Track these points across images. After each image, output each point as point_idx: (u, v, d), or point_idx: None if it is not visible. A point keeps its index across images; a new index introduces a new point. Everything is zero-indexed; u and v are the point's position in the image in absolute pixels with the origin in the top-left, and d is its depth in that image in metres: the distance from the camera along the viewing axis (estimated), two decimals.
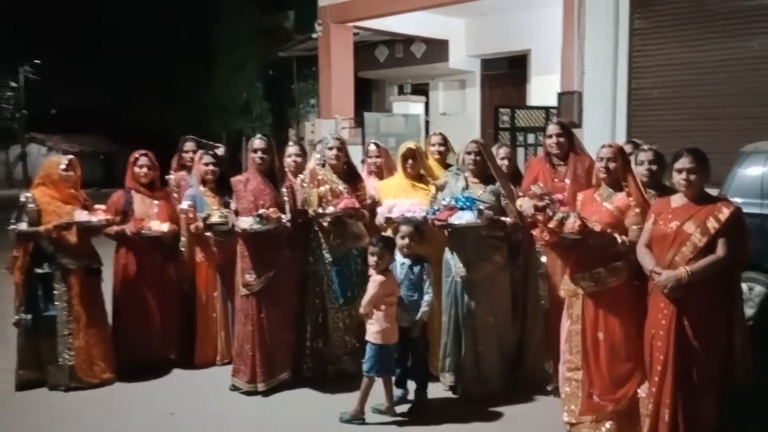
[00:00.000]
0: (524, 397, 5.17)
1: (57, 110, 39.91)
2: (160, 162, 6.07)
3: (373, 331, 4.79)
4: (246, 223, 5.20)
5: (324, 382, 5.49)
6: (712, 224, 3.91)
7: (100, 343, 5.57)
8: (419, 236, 5.12)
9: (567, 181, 5.17)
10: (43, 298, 5.41)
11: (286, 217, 5.32)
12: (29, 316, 5.41)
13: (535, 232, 4.79)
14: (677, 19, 9.52)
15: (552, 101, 10.99)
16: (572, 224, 4.30)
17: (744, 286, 6.35)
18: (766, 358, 4.69)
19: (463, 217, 4.93)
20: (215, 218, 5.59)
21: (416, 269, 4.98)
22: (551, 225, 4.42)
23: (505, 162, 5.79)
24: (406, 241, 5.00)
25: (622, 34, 9.82)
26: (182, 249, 5.97)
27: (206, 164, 5.91)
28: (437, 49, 16.34)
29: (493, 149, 5.82)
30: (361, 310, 4.86)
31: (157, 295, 5.84)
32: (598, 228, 4.32)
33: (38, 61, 36.77)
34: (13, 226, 5.36)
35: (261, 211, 5.18)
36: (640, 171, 4.68)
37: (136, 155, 5.91)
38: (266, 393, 5.30)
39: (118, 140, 34.72)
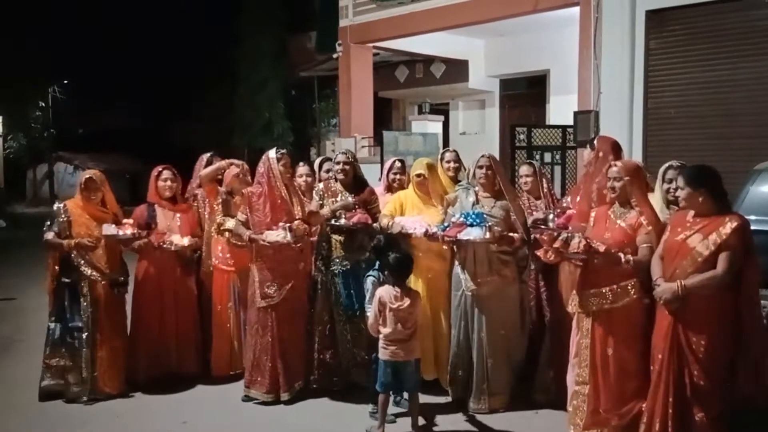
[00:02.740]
0: (532, 410, 5.21)
1: (84, 130, 40.42)
2: (183, 179, 6.22)
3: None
4: (278, 236, 5.29)
5: (335, 392, 5.56)
6: (713, 239, 3.94)
7: (121, 354, 5.69)
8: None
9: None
10: (69, 308, 5.52)
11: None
12: (58, 326, 5.54)
13: (539, 252, 4.81)
14: (692, 39, 9.49)
15: (571, 121, 11.02)
16: (577, 244, 4.30)
17: None
18: None
19: (472, 234, 5.01)
20: (230, 224, 5.76)
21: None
22: (556, 245, 4.42)
23: (526, 180, 5.87)
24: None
25: (638, 53, 9.81)
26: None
27: (236, 175, 6.11)
28: (457, 69, 16.40)
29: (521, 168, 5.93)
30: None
31: (175, 308, 5.94)
32: (602, 248, 4.31)
33: (66, 82, 37.35)
34: (45, 233, 5.53)
35: (294, 223, 5.32)
36: (669, 188, 4.76)
37: (159, 169, 6.05)
38: (274, 403, 5.39)
39: (143, 159, 34.98)
